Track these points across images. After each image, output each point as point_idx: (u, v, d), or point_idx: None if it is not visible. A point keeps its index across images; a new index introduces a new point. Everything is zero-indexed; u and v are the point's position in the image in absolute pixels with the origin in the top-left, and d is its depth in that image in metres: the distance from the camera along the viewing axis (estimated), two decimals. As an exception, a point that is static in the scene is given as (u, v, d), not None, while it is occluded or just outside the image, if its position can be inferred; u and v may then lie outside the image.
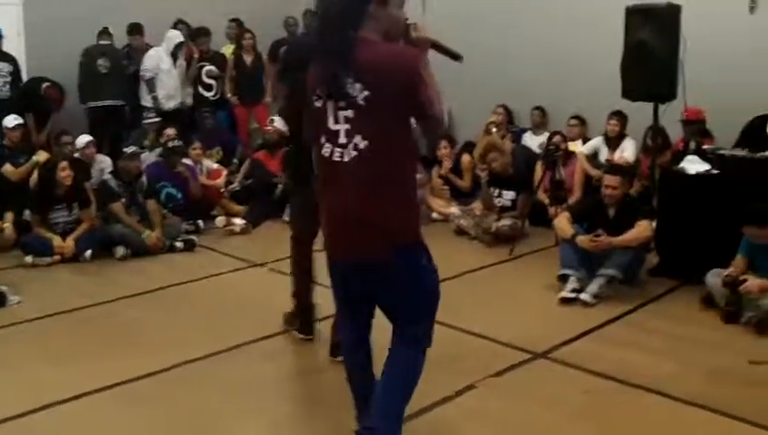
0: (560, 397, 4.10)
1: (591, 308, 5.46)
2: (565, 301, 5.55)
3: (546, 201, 7.74)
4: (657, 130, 6.82)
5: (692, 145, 6.94)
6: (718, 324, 5.13)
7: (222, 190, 8.44)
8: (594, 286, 5.60)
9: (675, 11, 6.30)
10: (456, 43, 3.12)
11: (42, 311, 5.46)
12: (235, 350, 4.73)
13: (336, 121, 2.86)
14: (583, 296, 5.53)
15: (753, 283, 5.05)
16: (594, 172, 7.77)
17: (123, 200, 7.09)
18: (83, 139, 8.13)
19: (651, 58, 6.27)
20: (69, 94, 8.94)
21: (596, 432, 3.77)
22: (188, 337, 4.97)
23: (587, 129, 8.71)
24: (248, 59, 10.10)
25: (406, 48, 2.91)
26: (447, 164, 8.55)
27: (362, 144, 2.82)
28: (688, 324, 5.16)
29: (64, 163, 7.00)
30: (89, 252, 6.79)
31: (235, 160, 9.39)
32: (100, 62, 9.02)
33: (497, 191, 7.62)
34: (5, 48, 8.65)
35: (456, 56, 3.14)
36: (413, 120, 2.89)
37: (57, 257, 6.72)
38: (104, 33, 9.25)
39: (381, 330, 3.17)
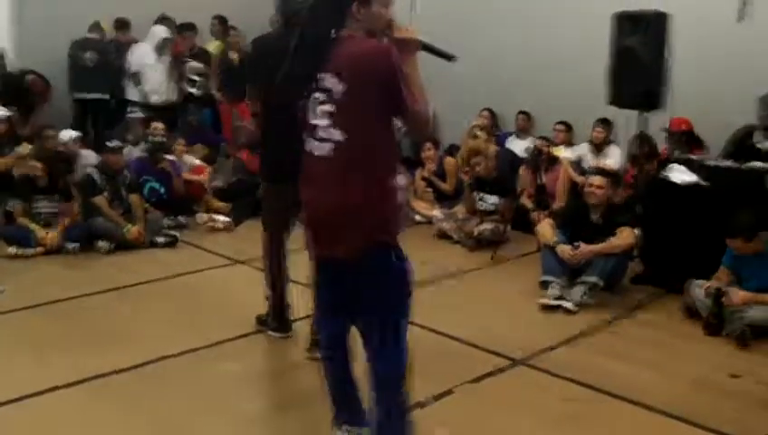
0: (538, 404, 4.07)
1: (573, 315, 5.44)
2: (547, 308, 5.53)
3: (530, 206, 7.72)
4: (643, 138, 6.80)
5: (675, 153, 6.92)
6: (700, 335, 5.12)
7: (205, 187, 8.38)
8: (577, 294, 5.57)
9: (663, 19, 6.29)
10: (442, 45, 3.10)
11: (20, 302, 5.40)
12: (214, 347, 4.70)
13: (316, 116, 2.87)
14: (566, 305, 5.50)
15: (735, 295, 5.05)
16: (579, 179, 7.75)
17: (106, 194, 7.04)
18: (69, 133, 8.08)
19: (638, 65, 6.26)
20: (56, 87, 8.89)
21: (573, 441, 3.74)
22: (166, 333, 4.92)
23: (573, 135, 8.70)
24: (234, 56, 10.03)
25: (384, 44, 2.89)
26: (431, 166, 8.54)
27: (341, 138, 2.81)
28: (670, 334, 5.16)
29: (39, 164, 6.96)
30: (76, 245, 6.75)
31: (220, 158, 9.34)
32: (87, 55, 9.08)
33: (480, 195, 7.58)
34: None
35: (448, 57, 3.12)
36: (396, 120, 2.87)
37: (40, 249, 6.66)
38: (95, 26, 9.30)
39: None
